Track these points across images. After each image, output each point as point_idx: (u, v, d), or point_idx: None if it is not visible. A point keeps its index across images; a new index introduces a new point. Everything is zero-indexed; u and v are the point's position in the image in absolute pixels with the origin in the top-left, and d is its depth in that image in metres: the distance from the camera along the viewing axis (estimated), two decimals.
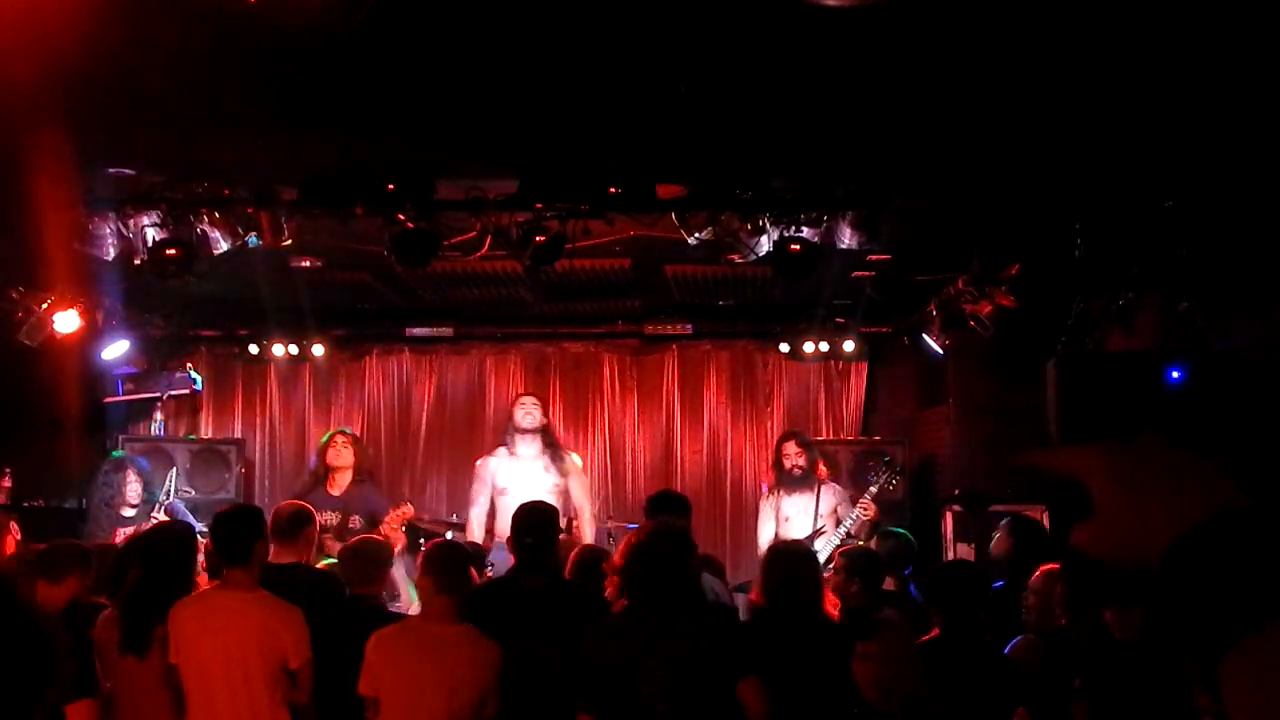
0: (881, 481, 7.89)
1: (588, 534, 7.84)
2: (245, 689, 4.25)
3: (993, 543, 6.35)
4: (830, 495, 7.77)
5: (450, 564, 4.51)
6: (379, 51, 4.37)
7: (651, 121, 5.15)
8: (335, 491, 7.77)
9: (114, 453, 8.82)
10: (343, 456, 7.89)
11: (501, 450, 8.37)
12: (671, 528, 4.42)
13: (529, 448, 8.16)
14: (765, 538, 7.66)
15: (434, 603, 4.39)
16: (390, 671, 4.25)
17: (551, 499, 7.02)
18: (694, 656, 3.88)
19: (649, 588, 4.00)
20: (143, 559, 4.68)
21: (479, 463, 8.50)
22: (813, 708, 4.08)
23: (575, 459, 8.42)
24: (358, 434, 9.01)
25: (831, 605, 4.79)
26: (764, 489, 8.62)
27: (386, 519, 7.59)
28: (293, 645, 4.32)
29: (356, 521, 7.58)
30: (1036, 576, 5.00)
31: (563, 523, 6.34)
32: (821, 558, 7.26)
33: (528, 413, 8.25)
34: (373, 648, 4.28)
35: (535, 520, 4.94)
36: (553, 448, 8.22)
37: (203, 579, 5.01)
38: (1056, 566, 4.85)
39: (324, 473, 7.81)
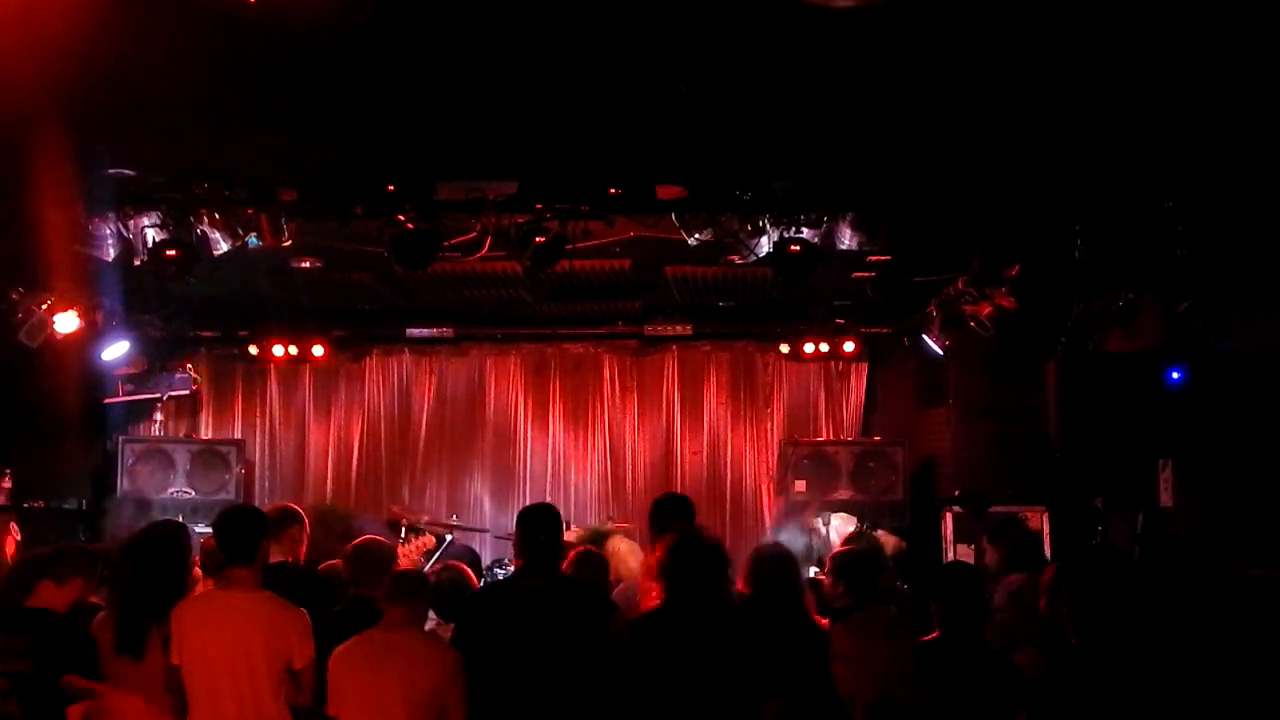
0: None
1: None
2: (250, 689, 4.23)
3: (986, 558, 6.33)
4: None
5: (403, 572, 4.55)
6: (379, 51, 4.37)
7: (651, 122, 5.15)
8: None
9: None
10: None
11: None
12: (708, 537, 4.65)
13: None
14: None
15: (389, 611, 4.40)
16: (349, 683, 4.26)
17: None
18: (731, 665, 4.00)
19: (692, 593, 4.21)
20: (133, 560, 4.66)
21: None
22: (791, 700, 4.18)
23: None
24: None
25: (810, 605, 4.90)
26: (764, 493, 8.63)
27: (403, 550, 7.53)
28: (298, 646, 4.31)
29: None
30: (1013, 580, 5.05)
31: None
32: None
33: None
34: (333, 663, 4.30)
35: (546, 519, 4.93)
36: None
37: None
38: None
39: None
